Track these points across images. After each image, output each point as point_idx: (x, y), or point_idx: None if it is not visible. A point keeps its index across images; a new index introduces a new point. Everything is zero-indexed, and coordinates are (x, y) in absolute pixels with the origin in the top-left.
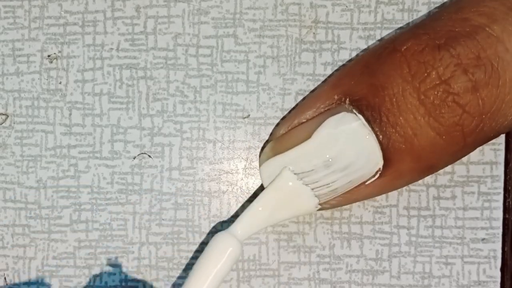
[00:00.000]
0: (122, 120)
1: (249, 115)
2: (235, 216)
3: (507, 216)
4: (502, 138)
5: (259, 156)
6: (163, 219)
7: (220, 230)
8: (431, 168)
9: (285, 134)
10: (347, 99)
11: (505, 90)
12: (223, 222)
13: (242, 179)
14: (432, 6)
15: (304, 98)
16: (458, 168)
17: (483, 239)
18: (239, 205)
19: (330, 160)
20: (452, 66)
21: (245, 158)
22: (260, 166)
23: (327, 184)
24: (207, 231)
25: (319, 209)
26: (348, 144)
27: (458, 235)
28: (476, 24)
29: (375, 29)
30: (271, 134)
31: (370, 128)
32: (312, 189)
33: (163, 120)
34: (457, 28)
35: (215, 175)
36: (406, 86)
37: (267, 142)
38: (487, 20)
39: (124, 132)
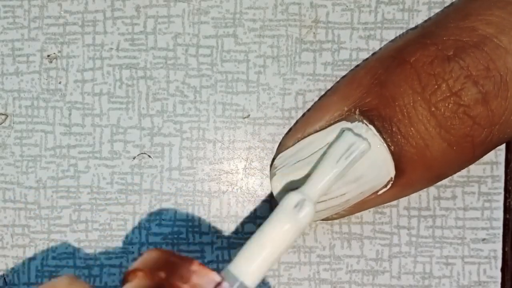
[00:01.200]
0: (122, 120)
1: (249, 115)
2: (235, 216)
3: (507, 216)
4: None
5: (270, 169)
6: (163, 219)
7: (220, 231)
8: (441, 177)
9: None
10: (357, 109)
11: None
12: (223, 222)
13: (242, 179)
14: (433, 6)
15: (310, 109)
16: None
17: (483, 239)
18: (239, 205)
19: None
20: (462, 78)
21: (245, 158)
22: (271, 179)
23: (339, 196)
24: (207, 231)
25: (329, 219)
26: None
27: (459, 235)
28: (483, 34)
29: (376, 29)
30: (279, 146)
31: (381, 139)
32: (324, 200)
33: (163, 120)
34: (464, 38)
35: (215, 175)
36: (417, 98)
37: (276, 155)
38: (495, 30)
39: (124, 132)
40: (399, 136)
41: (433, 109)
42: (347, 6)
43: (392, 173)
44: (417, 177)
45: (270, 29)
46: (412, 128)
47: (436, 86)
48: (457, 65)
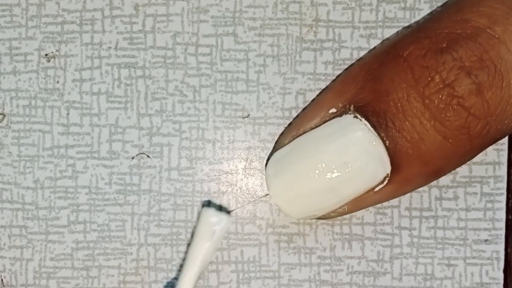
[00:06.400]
0: (120, 120)
1: (249, 115)
2: (235, 216)
3: (510, 217)
4: (505, 138)
5: (265, 167)
6: (162, 220)
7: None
8: (439, 172)
9: None
10: (352, 106)
11: (509, 92)
12: None
13: (241, 179)
14: (434, 5)
15: (305, 107)
16: (461, 169)
17: (485, 240)
18: (239, 205)
19: None
20: (455, 69)
21: (245, 158)
22: (266, 178)
23: (332, 192)
24: None
25: (326, 218)
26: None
27: (461, 236)
28: (477, 25)
29: (377, 27)
30: (276, 144)
31: (376, 134)
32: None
33: (162, 120)
34: (458, 30)
35: (215, 175)
36: (411, 91)
37: (271, 153)
38: (488, 21)
39: (123, 132)
40: (393, 131)
41: (427, 101)
42: (348, 5)
43: (388, 169)
44: (414, 172)
45: (270, 28)
46: (406, 122)
47: (429, 78)
48: (450, 57)
